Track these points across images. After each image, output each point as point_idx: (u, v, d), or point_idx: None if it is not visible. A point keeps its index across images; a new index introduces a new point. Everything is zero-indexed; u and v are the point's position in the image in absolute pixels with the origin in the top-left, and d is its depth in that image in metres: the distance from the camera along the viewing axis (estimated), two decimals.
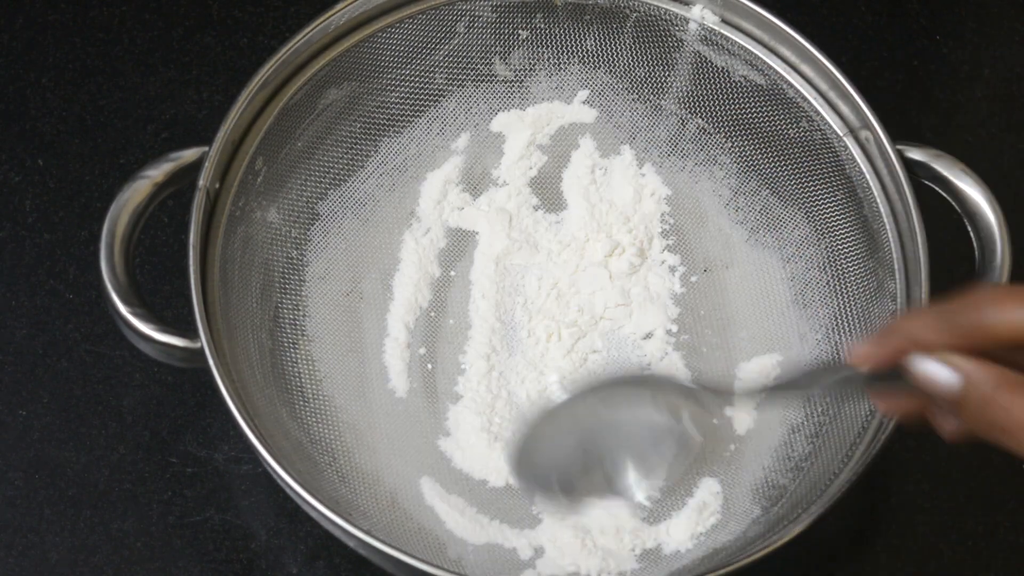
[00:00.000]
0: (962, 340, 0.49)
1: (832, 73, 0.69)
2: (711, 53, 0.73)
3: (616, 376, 0.61)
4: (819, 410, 0.68)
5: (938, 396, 0.50)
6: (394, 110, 0.75)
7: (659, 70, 0.75)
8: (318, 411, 0.68)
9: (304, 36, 0.69)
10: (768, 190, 0.74)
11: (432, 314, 0.72)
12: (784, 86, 0.71)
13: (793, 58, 0.71)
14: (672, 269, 0.74)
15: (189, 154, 0.65)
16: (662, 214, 0.76)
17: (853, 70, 0.70)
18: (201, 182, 0.64)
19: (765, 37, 0.71)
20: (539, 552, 0.66)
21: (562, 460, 0.59)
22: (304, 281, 0.72)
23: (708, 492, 0.68)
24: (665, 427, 0.58)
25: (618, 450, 0.59)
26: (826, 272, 0.72)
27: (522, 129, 0.76)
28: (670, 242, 0.75)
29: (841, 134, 0.70)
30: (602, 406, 0.58)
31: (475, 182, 0.76)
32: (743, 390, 0.58)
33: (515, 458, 0.58)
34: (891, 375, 0.51)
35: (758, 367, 0.71)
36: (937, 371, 0.49)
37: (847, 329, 0.69)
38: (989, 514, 0.72)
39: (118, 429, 0.72)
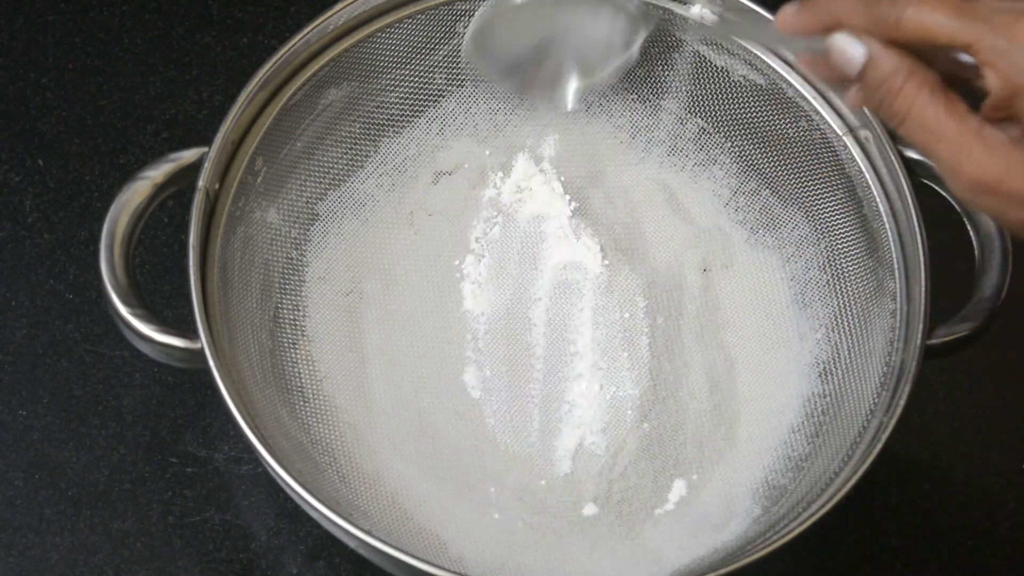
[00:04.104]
0: (877, 28, 0.52)
1: None
2: (711, 53, 0.73)
3: None
4: (819, 410, 0.68)
5: (846, 69, 0.53)
6: (394, 110, 0.75)
7: (659, 70, 0.75)
8: (318, 411, 0.68)
9: (304, 36, 0.69)
10: (768, 190, 0.75)
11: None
12: (784, 86, 0.71)
13: (793, 58, 0.71)
14: (671, 268, 0.74)
15: (189, 154, 0.65)
16: (661, 214, 0.76)
17: None
18: (201, 182, 0.64)
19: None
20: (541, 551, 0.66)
21: (517, 47, 0.69)
22: (304, 281, 0.72)
23: (689, 488, 0.68)
24: (612, 37, 0.68)
25: (568, 46, 0.69)
26: (826, 272, 0.72)
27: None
28: (668, 242, 0.75)
29: (841, 133, 0.70)
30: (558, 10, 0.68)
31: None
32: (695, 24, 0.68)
33: (474, 38, 0.68)
34: (813, 41, 0.55)
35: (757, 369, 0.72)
36: (847, 45, 0.53)
37: (847, 329, 0.69)
38: (989, 514, 0.73)
39: (118, 429, 0.72)
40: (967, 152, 0.50)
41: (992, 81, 0.50)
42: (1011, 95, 0.50)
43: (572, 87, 0.71)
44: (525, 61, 0.71)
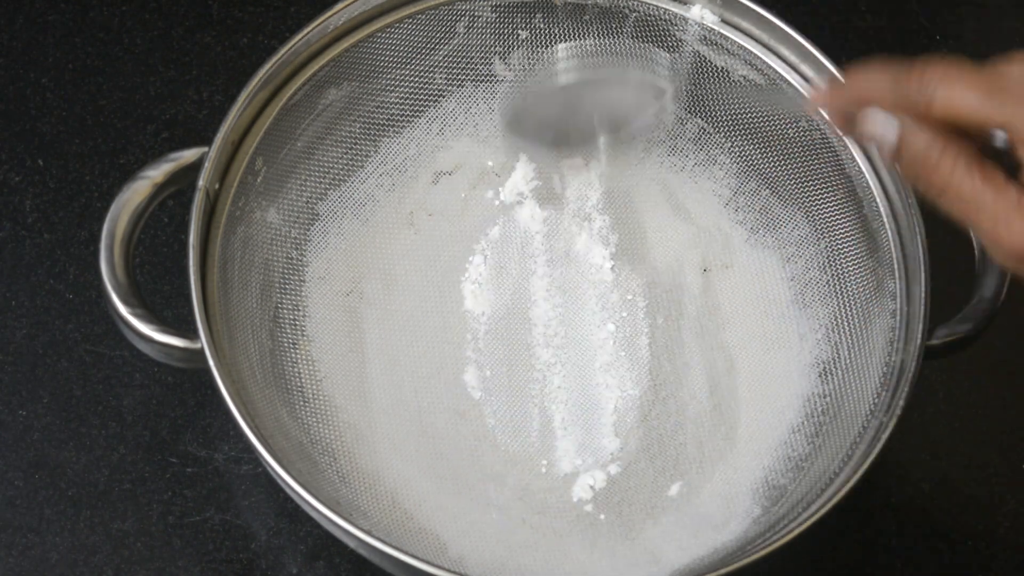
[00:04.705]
0: (907, 109, 0.52)
1: (832, 73, 0.69)
2: (711, 53, 0.73)
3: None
4: (819, 410, 0.68)
5: (880, 146, 0.53)
6: (394, 110, 0.75)
7: (659, 70, 0.75)
8: (318, 411, 0.68)
9: (304, 36, 0.69)
10: (768, 190, 0.75)
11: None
12: (784, 86, 0.71)
13: (793, 58, 0.71)
14: (671, 268, 0.74)
15: (189, 154, 0.65)
16: (661, 214, 0.76)
17: None
18: (201, 182, 0.64)
19: (765, 37, 0.71)
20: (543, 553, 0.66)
21: (551, 116, 0.69)
22: (304, 281, 0.72)
23: (689, 488, 0.68)
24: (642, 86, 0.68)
25: (601, 102, 0.68)
26: (826, 272, 0.72)
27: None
28: (668, 242, 0.75)
29: (841, 134, 0.70)
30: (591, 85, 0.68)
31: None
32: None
33: (509, 115, 0.68)
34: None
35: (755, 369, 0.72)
36: (880, 122, 0.53)
37: (847, 329, 0.69)
38: (989, 514, 0.72)
39: (118, 429, 0.72)
40: (1006, 222, 0.50)
41: None
42: None
43: (603, 141, 0.72)
44: (558, 124, 0.71)
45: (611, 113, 0.69)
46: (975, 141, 0.51)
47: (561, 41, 0.74)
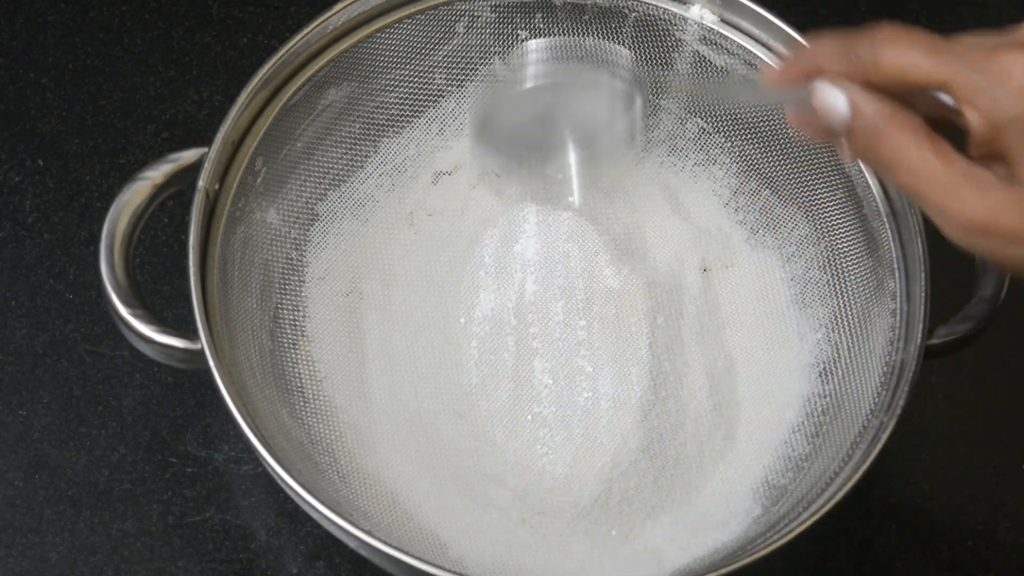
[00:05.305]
0: (857, 72, 0.51)
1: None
2: (711, 53, 0.73)
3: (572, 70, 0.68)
4: (819, 410, 0.68)
5: (832, 121, 0.52)
6: (394, 110, 0.75)
7: (659, 70, 0.75)
8: (318, 411, 0.68)
9: (304, 36, 0.69)
10: (768, 190, 0.75)
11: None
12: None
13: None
14: (671, 268, 0.74)
15: (189, 155, 0.65)
16: (661, 214, 0.76)
17: None
18: (201, 183, 0.64)
19: (765, 37, 0.71)
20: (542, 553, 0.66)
21: (520, 129, 0.67)
22: (304, 281, 0.72)
23: (689, 488, 0.68)
24: (613, 99, 0.66)
25: (573, 118, 0.67)
26: (826, 272, 0.72)
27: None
28: (668, 242, 0.75)
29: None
30: (561, 90, 0.66)
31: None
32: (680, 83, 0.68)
33: (477, 126, 0.66)
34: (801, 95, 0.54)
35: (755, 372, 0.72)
36: (829, 95, 0.52)
37: (847, 329, 0.69)
38: (989, 514, 0.73)
39: (118, 429, 0.72)
40: (956, 194, 0.48)
41: (972, 119, 0.49)
42: (992, 132, 0.49)
43: (575, 161, 0.70)
44: (528, 141, 0.69)
45: (582, 123, 0.68)
46: (923, 111, 0.51)
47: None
